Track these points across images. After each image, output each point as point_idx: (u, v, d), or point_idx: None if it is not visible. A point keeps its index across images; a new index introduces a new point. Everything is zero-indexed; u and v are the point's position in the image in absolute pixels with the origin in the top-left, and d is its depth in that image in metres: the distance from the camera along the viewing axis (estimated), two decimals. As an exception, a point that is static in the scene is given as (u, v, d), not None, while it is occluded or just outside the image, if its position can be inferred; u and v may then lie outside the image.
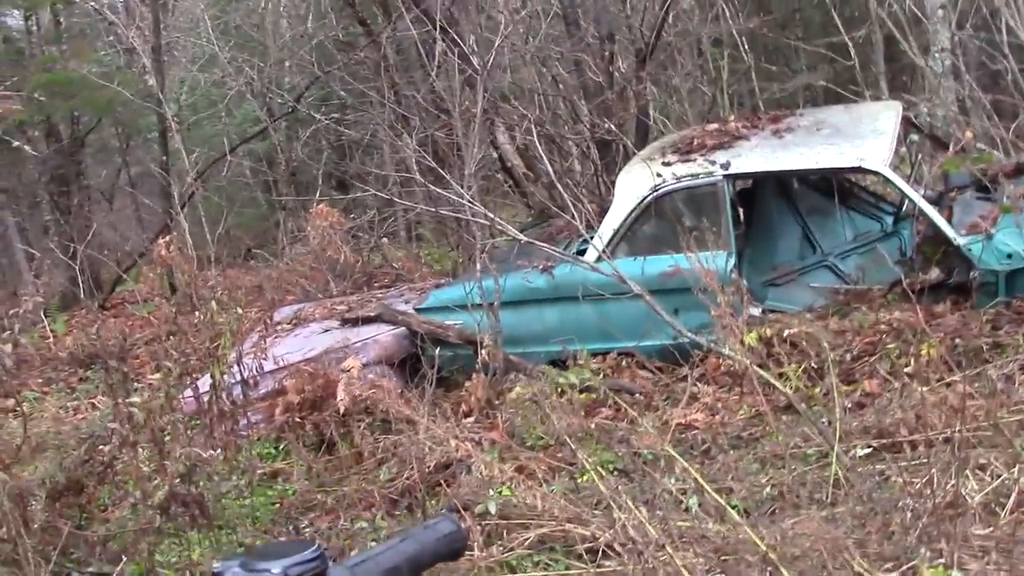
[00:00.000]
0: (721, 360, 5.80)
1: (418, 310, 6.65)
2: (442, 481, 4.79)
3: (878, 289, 6.15)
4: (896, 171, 5.86)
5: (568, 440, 4.59)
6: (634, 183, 6.23)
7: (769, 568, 3.14)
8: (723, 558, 3.59)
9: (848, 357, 5.54)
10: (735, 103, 11.56)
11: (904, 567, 3.35)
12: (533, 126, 7.71)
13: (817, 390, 5.27)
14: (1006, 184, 6.21)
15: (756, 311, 6.13)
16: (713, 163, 6.07)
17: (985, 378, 4.97)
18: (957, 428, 4.28)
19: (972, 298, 5.62)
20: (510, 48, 7.83)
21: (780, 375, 5.53)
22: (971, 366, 5.16)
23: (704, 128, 6.78)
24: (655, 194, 6.11)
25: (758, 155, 6.09)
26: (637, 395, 5.83)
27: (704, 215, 6.12)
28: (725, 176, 5.99)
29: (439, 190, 6.68)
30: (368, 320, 6.71)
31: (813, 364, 5.49)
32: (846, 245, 6.96)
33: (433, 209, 7.25)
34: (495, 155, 8.19)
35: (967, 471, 3.93)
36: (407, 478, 5.01)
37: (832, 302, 6.32)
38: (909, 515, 3.69)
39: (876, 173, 5.76)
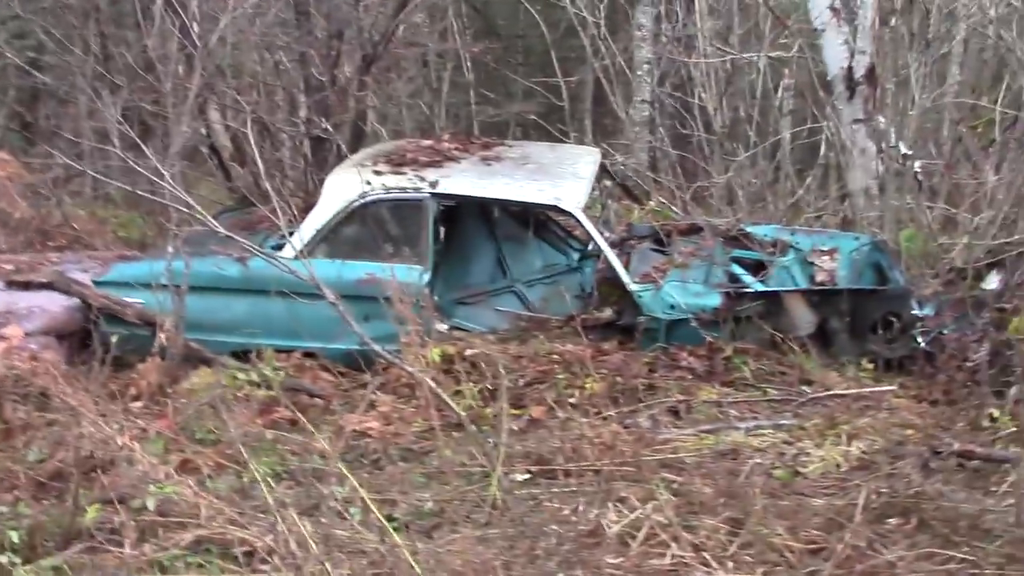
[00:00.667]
0: (402, 371, 5.95)
1: (96, 283, 6.28)
2: (99, 469, 4.54)
3: (556, 320, 6.54)
4: (587, 213, 6.28)
5: (237, 440, 4.53)
6: (343, 186, 6.26)
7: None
8: (377, 573, 3.69)
9: (521, 382, 5.85)
10: (452, 119, 11.87)
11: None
12: (248, 110, 7.52)
13: (488, 411, 5.55)
14: (679, 241, 6.85)
15: (443, 327, 6.33)
16: (422, 180, 6.22)
17: (636, 417, 5.46)
18: (605, 462, 4.70)
19: (637, 341, 6.12)
20: (235, 27, 7.58)
21: (456, 392, 5.78)
22: (627, 404, 5.65)
23: (419, 143, 6.93)
24: (362, 201, 6.17)
25: (465, 179, 6.31)
26: (316, 397, 5.84)
27: (406, 228, 6.26)
28: (432, 194, 6.16)
29: (136, 164, 6.33)
30: (38, 285, 6.25)
31: (488, 385, 5.78)
32: (534, 274, 7.33)
33: (127, 187, 6.85)
34: (204, 132, 7.91)
35: (609, 503, 4.29)
36: (60, 461, 4.72)
37: (514, 327, 6.65)
38: (554, 541, 3.98)
39: (569, 214, 6.14)
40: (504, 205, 6.77)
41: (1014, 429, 4.75)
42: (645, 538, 3.98)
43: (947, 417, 5.42)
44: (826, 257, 7.02)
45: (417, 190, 6.17)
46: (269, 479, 4.56)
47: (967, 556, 3.65)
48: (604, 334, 6.29)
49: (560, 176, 6.37)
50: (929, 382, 6.04)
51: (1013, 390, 5.09)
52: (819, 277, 6.87)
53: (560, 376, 5.82)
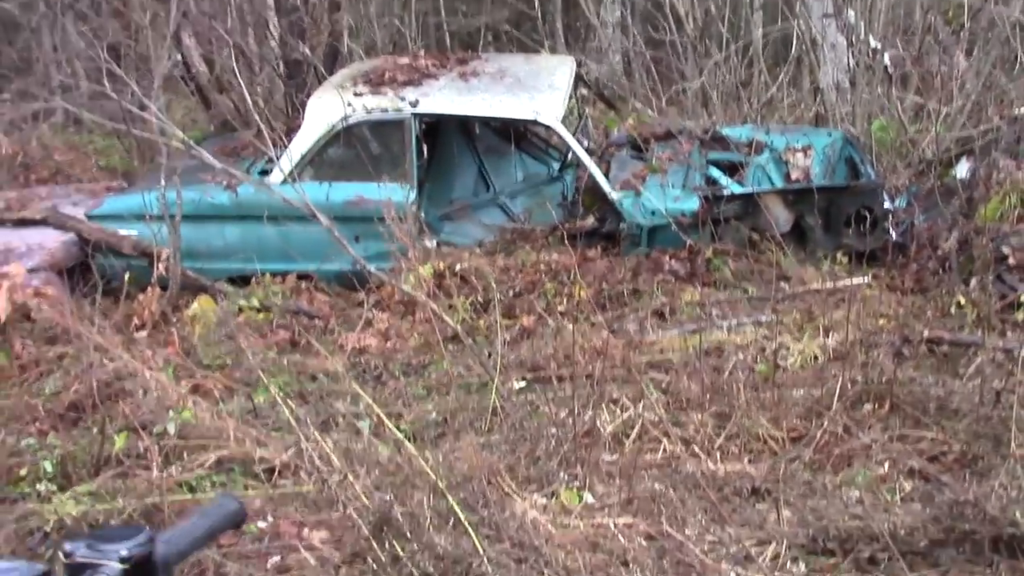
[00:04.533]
0: (395, 288, 6.16)
1: (89, 216, 6.41)
2: (114, 397, 4.76)
3: (541, 230, 6.72)
4: (565, 124, 6.42)
5: (251, 360, 4.75)
6: (325, 109, 6.35)
7: (435, 493, 3.52)
8: (393, 481, 3.94)
9: (511, 293, 6.07)
10: (423, 31, 11.80)
11: (547, 489, 3.87)
12: (224, 34, 7.52)
13: (482, 323, 5.78)
14: (656, 146, 7.00)
15: (431, 243, 6.51)
16: (403, 99, 6.31)
17: (623, 322, 5.70)
18: (597, 366, 4.94)
19: (620, 247, 6.34)
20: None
21: (450, 307, 6.00)
22: (614, 309, 5.89)
23: (396, 61, 7.00)
24: (344, 123, 6.28)
25: (445, 97, 6.41)
26: (314, 318, 6.04)
27: (390, 148, 6.39)
28: (413, 114, 6.27)
29: (116, 97, 6.36)
30: (33, 222, 6.37)
31: (480, 298, 6.00)
32: (517, 186, 7.49)
33: (114, 123, 6.88)
34: (179, 58, 7.91)
35: (603, 405, 4.55)
36: (75, 392, 4.92)
37: (501, 239, 6.83)
38: (553, 443, 4.24)
39: (549, 127, 6.27)
40: (485, 121, 6.88)
41: (978, 314, 5.01)
42: (638, 435, 4.25)
43: (918, 306, 5.68)
44: (800, 154, 7.20)
45: (398, 110, 6.27)
46: (281, 398, 4.83)
47: (936, 436, 3.94)
48: (588, 241, 6.50)
49: (538, 89, 6.47)
50: (902, 272, 6.32)
51: (973, 280, 5.33)
52: (794, 175, 7.07)
53: (548, 285, 6.03)
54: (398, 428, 4.58)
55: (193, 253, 6.23)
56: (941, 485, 3.62)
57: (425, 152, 6.52)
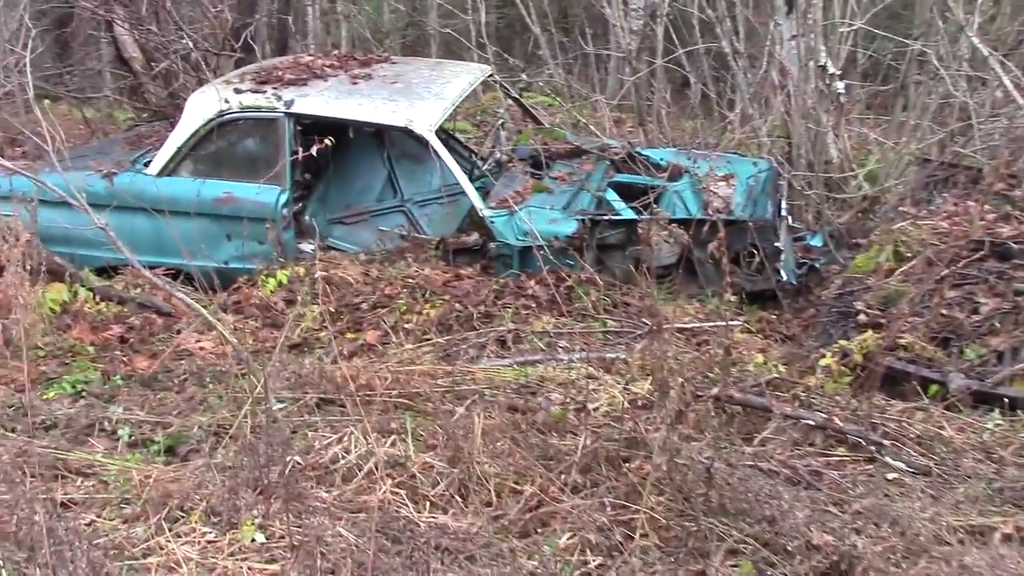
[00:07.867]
0: (253, 291, 6.02)
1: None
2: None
3: (431, 242, 6.47)
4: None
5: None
6: (202, 104, 6.24)
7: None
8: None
9: (365, 305, 5.85)
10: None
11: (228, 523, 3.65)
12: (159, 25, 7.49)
13: (323, 335, 5.59)
14: (557, 164, 6.67)
15: (307, 247, 6.34)
16: (279, 98, 6.15)
17: (463, 346, 5.43)
18: (392, 392, 4.69)
19: (492, 267, 6.05)
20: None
21: (301, 315, 5.83)
22: (461, 332, 5.60)
23: (293, 60, 6.84)
24: (219, 119, 6.15)
25: (322, 99, 6.23)
26: (165, 315, 5.94)
27: (264, 147, 6.24)
28: (286, 113, 6.10)
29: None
30: None
31: (332, 308, 5.81)
32: (429, 194, 7.23)
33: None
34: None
35: (369, 435, 4.29)
36: None
37: (395, 248, 6.59)
38: (284, 471, 4.01)
39: (420, 136, 6.01)
40: (357, 126, 6.64)
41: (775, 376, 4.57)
42: (368, 473, 3.99)
43: (780, 355, 5.25)
44: (723, 183, 6.80)
45: (272, 109, 6.12)
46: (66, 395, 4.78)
47: (645, 509, 3.54)
48: (471, 259, 6.23)
49: (421, 97, 6.23)
50: (793, 317, 5.89)
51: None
52: (714, 204, 6.66)
53: (401, 301, 5.79)
54: (151, 440, 4.44)
55: (62, 239, 6.17)
56: (621, 564, 3.27)
57: (301, 153, 6.33)
